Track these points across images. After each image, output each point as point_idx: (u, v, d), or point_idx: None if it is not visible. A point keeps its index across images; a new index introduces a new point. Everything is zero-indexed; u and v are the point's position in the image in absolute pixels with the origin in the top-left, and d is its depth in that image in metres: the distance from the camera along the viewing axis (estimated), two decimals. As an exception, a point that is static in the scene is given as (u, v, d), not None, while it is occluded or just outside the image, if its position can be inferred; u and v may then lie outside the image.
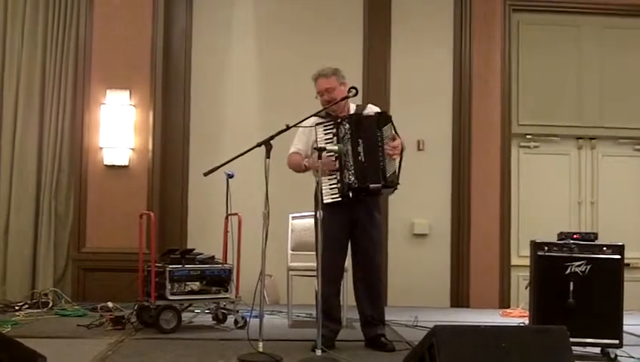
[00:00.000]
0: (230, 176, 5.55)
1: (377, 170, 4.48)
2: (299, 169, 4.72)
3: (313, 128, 4.56)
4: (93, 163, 6.69)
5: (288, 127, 4.39)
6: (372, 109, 4.75)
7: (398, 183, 4.59)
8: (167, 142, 6.98)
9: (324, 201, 4.34)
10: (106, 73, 6.73)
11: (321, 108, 4.63)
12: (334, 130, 4.49)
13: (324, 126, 4.54)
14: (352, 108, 4.77)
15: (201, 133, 7.17)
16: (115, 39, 6.75)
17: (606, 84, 7.57)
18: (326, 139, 4.50)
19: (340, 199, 4.44)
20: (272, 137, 4.27)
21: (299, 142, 4.73)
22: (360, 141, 4.46)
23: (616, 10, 7.55)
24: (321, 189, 4.36)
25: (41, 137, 6.76)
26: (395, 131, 4.56)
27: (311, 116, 4.56)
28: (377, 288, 4.69)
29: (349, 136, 4.47)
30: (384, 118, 4.57)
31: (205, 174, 4.36)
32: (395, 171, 4.56)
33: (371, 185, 4.44)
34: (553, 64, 7.53)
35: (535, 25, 7.56)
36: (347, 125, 4.49)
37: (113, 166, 6.70)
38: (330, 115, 4.64)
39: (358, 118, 4.57)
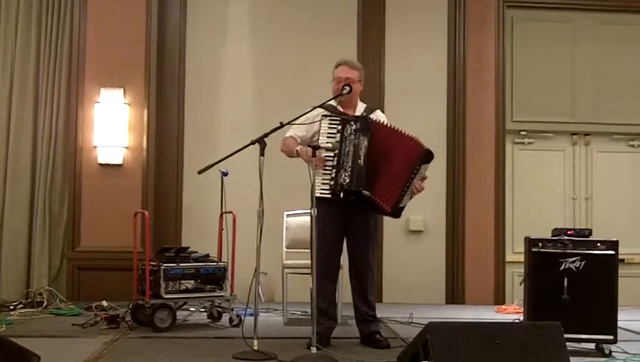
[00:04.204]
0: (225, 174, 5.54)
1: (387, 186, 4.45)
2: (290, 154, 4.66)
3: (317, 121, 4.52)
4: (88, 161, 6.68)
5: (282, 125, 4.38)
6: (379, 116, 4.71)
7: (398, 217, 4.65)
8: (161, 141, 6.97)
9: (315, 194, 4.31)
10: (100, 71, 6.71)
11: (321, 102, 4.58)
12: (339, 127, 4.46)
13: (330, 119, 4.50)
14: (361, 108, 4.74)
15: (195, 131, 7.16)
16: (109, 37, 6.73)
17: (600, 80, 7.58)
18: (329, 133, 4.47)
19: (329, 196, 4.43)
20: (266, 135, 4.26)
21: (299, 129, 4.64)
22: (364, 145, 4.41)
23: (610, 6, 7.57)
24: (314, 181, 4.33)
25: (35, 136, 6.74)
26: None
27: (317, 107, 4.55)
28: (367, 284, 4.67)
29: (354, 137, 4.44)
30: (429, 157, 4.54)
31: (199, 172, 4.36)
32: (404, 206, 4.57)
33: (364, 191, 4.41)
34: (547, 60, 7.54)
35: (529, 21, 7.57)
36: (354, 125, 4.46)
37: (107, 164, 6.68)
38: (337, 110, 4.63)
39: (367, 122, 4.51)
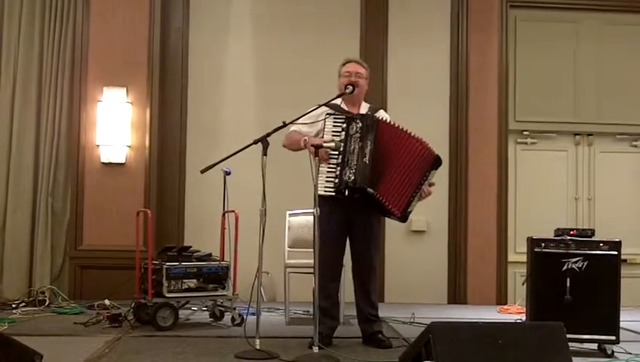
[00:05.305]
0: (227, 174, 5.54)
1: (393, 187, 4.43)
2: (296, 147, 4.58)
3: (321, 120, 4.52)
4: (90, 160, 6.69)
5: (285, 124, 4.38)
6: (383, 115, 4.71)
7: (405, 221, 4.64)
8: (164, 140, 6.97)
9: (318, 193, 4.31)
10: (103, 71, 6.72)
11: (319, 104, 4.58)
12: (344, 125, 4.46)
13: (335, 118, 4.51)
14: (365, 107, 4.74)
15: (198, 130, 7.16)
16: (112, 36, 6.74)
17: (603, 80, 7.57)
18: (334, 132, 4.47)
19: (333, 193, 4.43)
20: (268, 134, 4.26)
21: (304, 126, 4.62)
22: (369, 143, 4.42)
23: (613, 6, 7.56)
24: (318, 179, 4.34)
25: (38, 135, 6.74)
26: None
27: (322, 105, 4.55)
28: (370, 284, 4.67)
29: (359, 135, 4.43)
30: (437, 163, 4.53)
31: (202, 171, 4.36)
32: (412, 210, 4.56)
33: (368, 189, 4.40)
34: (550, 60, 7.54)
35: (532, 21, 7.56)
36: (359, 123, 4.46)
37: (110, 163, 6.69)
38: (342, 108, 4.63)
39: (372, 121, 4.50)
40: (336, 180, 4.42)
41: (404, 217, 4.54)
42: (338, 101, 4.65)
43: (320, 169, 4.40)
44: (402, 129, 4.53)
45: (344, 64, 4.76)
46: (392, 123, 4.61)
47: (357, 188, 4.39)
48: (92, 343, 4.44)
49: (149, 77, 6.77)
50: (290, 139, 4.65)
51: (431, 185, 4.56)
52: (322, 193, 4.36)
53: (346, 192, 4.39)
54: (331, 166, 4.45)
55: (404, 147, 4.48)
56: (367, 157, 4.41)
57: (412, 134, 4.51)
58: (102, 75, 6.72)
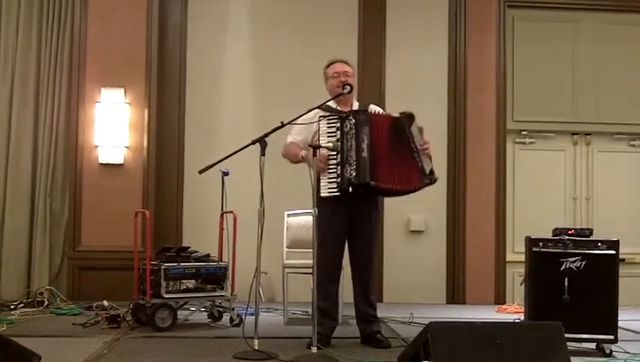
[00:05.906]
0: (225, 174, 5.55)
1: (396, 169, 4.46)
2: (295, 160, 4.66)
3: (315, 121, 4.53)
4: (88, 161, 6.69)
5: (283, 124, 4.38)
6: (375, 109, 4.73)
7: (434, 180, 4.58)
8: (162, 140, 6.97)
9: (322, 195, 4.32)
10: (101, 71, 6.72)
11: (321, 102, 4.60)
12: (338, 125, 4.47)
13: (328, 119, 4.51)
14: (355, 106, 4.76)
15: (196, 130, 7.15)
16: (110, 37, 6.74)
17: (601, 79, 7.58)
18: (329, 133, 4.47)
19: (337, 193, 4.42)
20: (266, 134, 4.26)
21: (299, 133, 4.66)
22: (364, 137, 4.43)
23: (611, 6, 7.57)
24: (319, 183, 4.34)
25: (36, 135, 6.75)
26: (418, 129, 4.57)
27: (314, 108, 4.56)
28: (369, 283, 4.68)
29: (354, 131, 4.44)
30: (409, 118, 4.55)
31: (200, 172, 4.36)
32: (431, 167, 4.54)
33: (371, 182, 4.41)
34: (548, 60, 7.54)
35: (530, 21, 7.57)
36: (353, 120, 4.46)
37: (108, 164, 6.69)
38: (334, 109, 4.63)
39: (364, 115, 4.52)
40: (339, 179, 4.42)
41: (429, 180, 4.53)
42: (331, 102, 4.67)
43: (322, 173, 4.41)
44: (385, 114, 4.62)
45: (329, 65, 4.79)
46: (380, 112, 4.67)
47: (360, 184, 4.39)
48: (91, 344, 4.44)
49: (147, 77, 6.77)
50: (288, 150, 4.70)
51: (421, 131, 4.55)
52: (327, 195, 4.39)
53: (350, 189, 4.39)
54: (331, 166, 4.45)
55: (387, 127, 4.52)
56: (365, 152, 4.41)
57: (390, 114, 4.59)
58: (100, 75, 6.72)
